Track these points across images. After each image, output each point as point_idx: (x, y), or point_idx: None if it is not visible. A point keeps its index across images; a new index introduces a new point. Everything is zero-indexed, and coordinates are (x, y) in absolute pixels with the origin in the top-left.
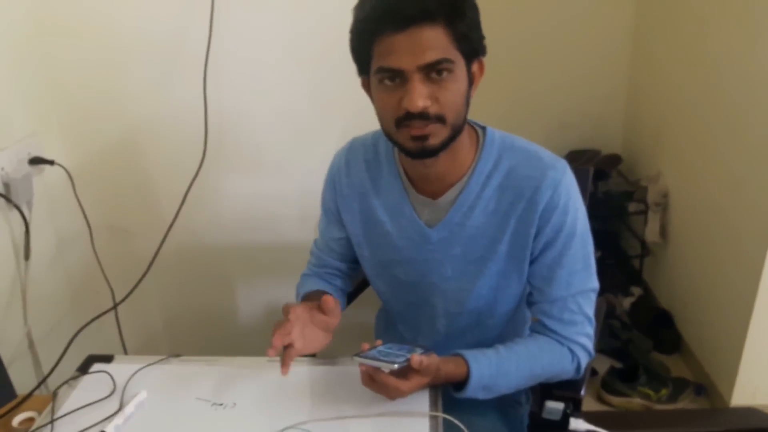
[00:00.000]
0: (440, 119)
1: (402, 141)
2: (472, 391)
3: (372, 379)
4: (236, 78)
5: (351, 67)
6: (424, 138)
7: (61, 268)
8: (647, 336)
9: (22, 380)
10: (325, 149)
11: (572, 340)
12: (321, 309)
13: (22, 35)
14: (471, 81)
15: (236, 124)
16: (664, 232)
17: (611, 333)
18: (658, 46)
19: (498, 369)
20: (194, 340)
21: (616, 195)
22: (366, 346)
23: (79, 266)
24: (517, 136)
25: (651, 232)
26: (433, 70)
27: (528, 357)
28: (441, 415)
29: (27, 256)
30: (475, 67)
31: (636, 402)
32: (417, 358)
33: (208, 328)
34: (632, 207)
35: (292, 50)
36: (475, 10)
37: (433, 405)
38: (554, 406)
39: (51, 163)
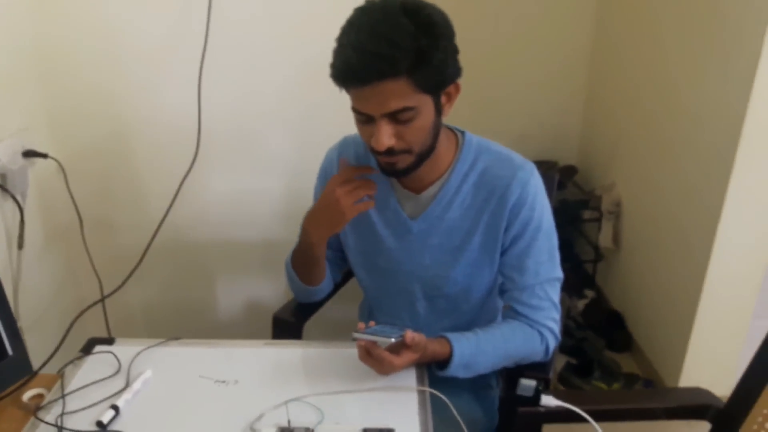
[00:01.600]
0: (406, 151)
1: (377, 161)
2: (455, 369)
3: (368, 354)
4: (229, 80)
5: None
6: (392, 164)
7: (50, 259)
8: (600, 335)
9: None
10: (311, 151)
11: (541, 324)
12: None
13: (16, 31)
14: (440, 111)
15: (227, 125)
16: (616, 238)
17: (567, 332)
18: (615, 62)
19: (477, 348)
20: (173, 331)
21: (571, 203)
22: (362, 325)
23: (67, 257)
24: (491, 141)
25: (604, 239)
26: (397, 114)
27: (503, 338)
28: (428, 389)
29: (21, 246)
30: (450, 89)
31: None
32: (410, 334)
33: (187, 321)
34: (587, 215)
35: (283, 55)
36: (445, 46)
37: (420, 381)
38: (527, 383)
39: (44, 156)
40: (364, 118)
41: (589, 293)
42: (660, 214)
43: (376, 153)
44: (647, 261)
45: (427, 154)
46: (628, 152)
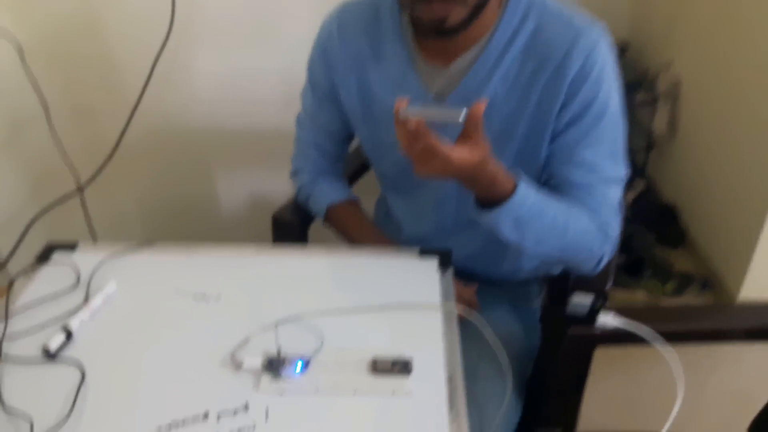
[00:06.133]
0: None
1: (415, 20)
2: (505, 214)
3: (414, 144)
4: None
5: None
6: (443, 18)
7: (16, 152)
8: (650, 230)
9: None
10: (312, 19)
11: (601, 225)
12: None
13: None
14: None
15: None
16: (672, 123)
17: None
18: None
19: (540, 205)
20: (171, 232)
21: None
22: (404, 102)
23: (37, 150)
24: None
25: (658, 124)
26: None
27: (567, 213)
28: (455, 307)
29: None
30: None
31: (640, 295)
32: (480, 106)
33: (186, 220)
34: (639, 98)
35: None
36: None
37: (446, 296)
38: (582, 300)
39: None
40: None
41: (639, 184)
42: (726, 95)
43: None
44: (708, 149)
45: (482, 5)
46: (690, 25)
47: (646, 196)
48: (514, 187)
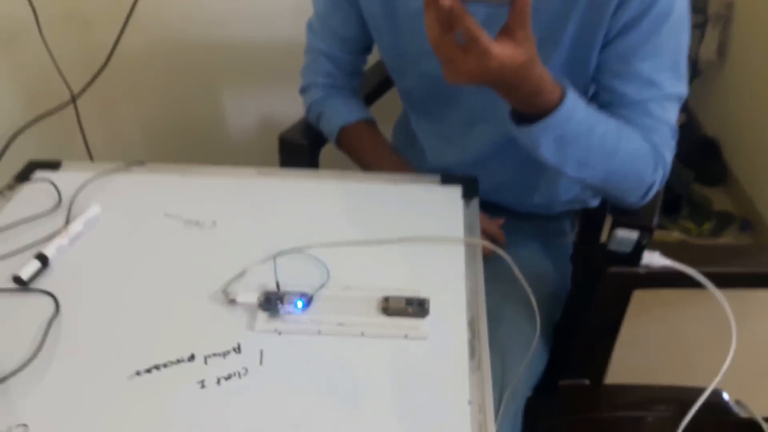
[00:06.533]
0: None
1: None
2: (548, 131)
3: (445, 36)
4: None
5: None
6: None
7: (6, 63)
8: (689, 166)
9: None
10: None
11: (657, 146)
12: None
13: None
14: None
15: None
16: (722, 49)
17: None
18: None
19: (588, 122)
20: (173, 153)
21: None
22: None
23: (29, 61)
24: None
25: (706, 49)
26: None
27: (618, 133)
28: (480, 242)
29: None
30: None
31: (675, 236)
32: None
33: (189, 140)
34: None
35: None
36: None
37: (469, 229)
38: (626, 236)
39: None
40: None
41: (680, 117)
42: None
43: None
44: (758, 79)
45: None
46: None
47: (687, 129)
48: (560, 99)
